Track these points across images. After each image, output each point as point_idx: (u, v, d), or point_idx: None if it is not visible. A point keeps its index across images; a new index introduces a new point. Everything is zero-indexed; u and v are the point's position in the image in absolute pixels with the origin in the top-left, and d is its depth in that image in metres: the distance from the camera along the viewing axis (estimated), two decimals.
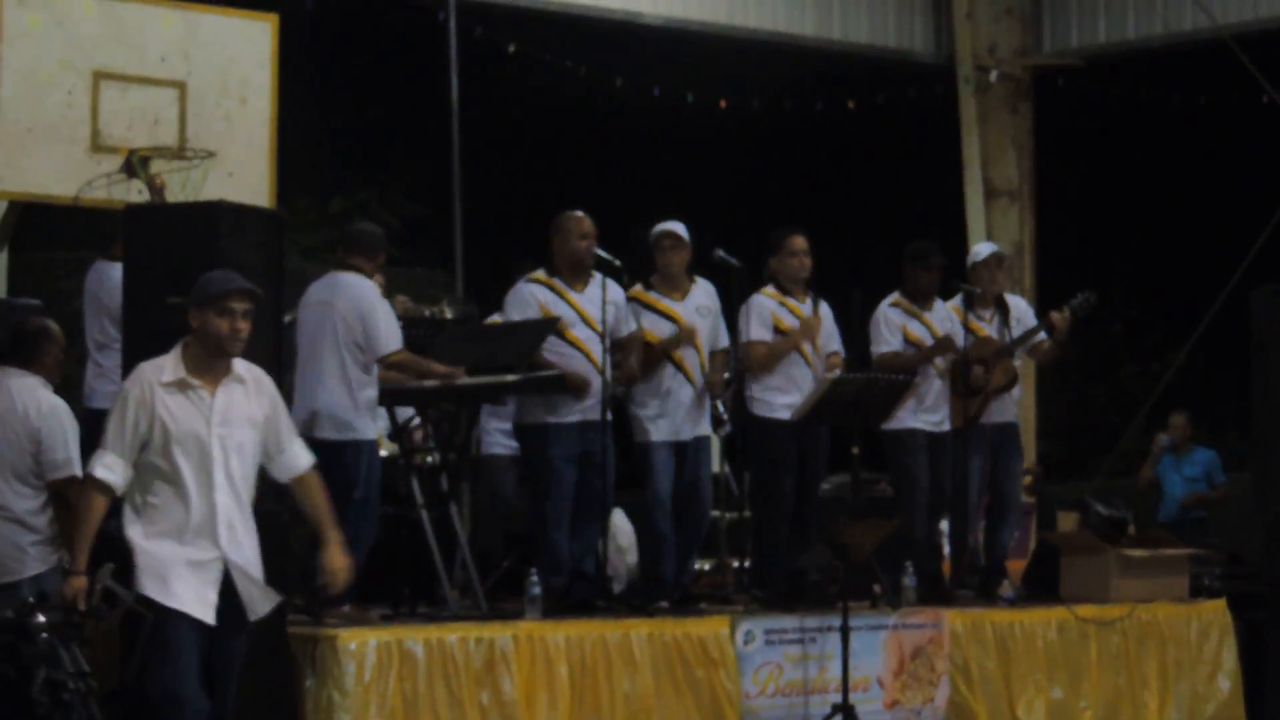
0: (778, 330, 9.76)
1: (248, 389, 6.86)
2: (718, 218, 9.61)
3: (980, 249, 10.84)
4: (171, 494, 6.74)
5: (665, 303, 9.52)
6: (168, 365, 6.78)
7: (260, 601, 6.89)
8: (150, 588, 6.69)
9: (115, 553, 7.96)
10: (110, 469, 6.74)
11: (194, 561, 6.71)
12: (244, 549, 6.82)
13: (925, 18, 15.04)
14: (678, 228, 9.56)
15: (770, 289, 9.85)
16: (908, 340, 10.20)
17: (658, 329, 9.46)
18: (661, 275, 9.59)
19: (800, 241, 9.87)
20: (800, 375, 9.74)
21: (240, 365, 6.85)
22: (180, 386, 6.75)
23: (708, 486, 9.64)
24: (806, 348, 9.79)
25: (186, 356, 6.79)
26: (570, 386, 8.97)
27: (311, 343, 8.63)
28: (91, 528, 6.71)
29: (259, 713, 7.54)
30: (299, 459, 7.01)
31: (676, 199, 10.63)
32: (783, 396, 9.69)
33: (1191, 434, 14.25)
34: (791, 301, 9.82)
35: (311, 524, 7.08)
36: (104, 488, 6.74)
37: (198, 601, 6.71)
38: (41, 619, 6.71)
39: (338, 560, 6.98)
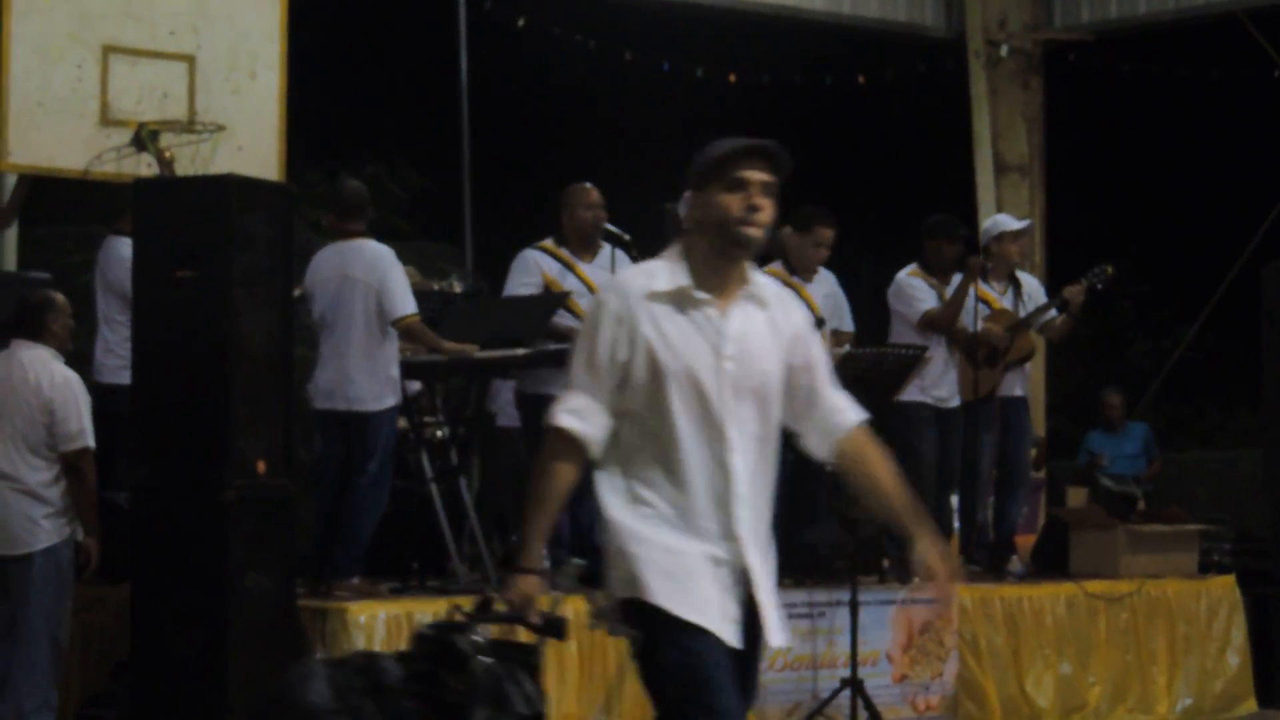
0: None
1: (771, 313, 4.72)
2: None
3: (1007, 219, 10.77)
4: (663, 457, 4.60)
5: None
6: (661, 271, 4.68)
7: (781, 621, 4.69)
8: (661, 590, 4.52)
9: (121, 529, 8.02)
10: (580, 415, 4.61)
11: (711, 557, 4.58)
12: (764, 539, 4.70)
13: None
14: None
15: (778, 267, 9.76)
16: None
17: None
18: None
19: (829, 235, 9.77)
20: None
21: (762, 280, 4.76)
22: (678, 300, 4.63)
23: None
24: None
25: (688, 259, 4.69)
26: None
27: (335, 315, 8.63)
28: (554, 502, 4.65)
29: (269, 687, 7.56)
30: (843, 415, 4.80)
31: (685, 174, 10.60)
32: None
33: (1125, 411, 14.18)
34: (797, 280, 9.76)
35: (878, 506, 4.85)
36: (574, 443, 4.61)
37: (723, 616, 4.58)
38: (480, 639, 4.69)
39: (936, 558, 4.72)
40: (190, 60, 9.54)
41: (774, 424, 4.69)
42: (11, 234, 10.81)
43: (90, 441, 8.05)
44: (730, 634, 4.55)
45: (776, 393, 4.68)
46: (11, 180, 10.35)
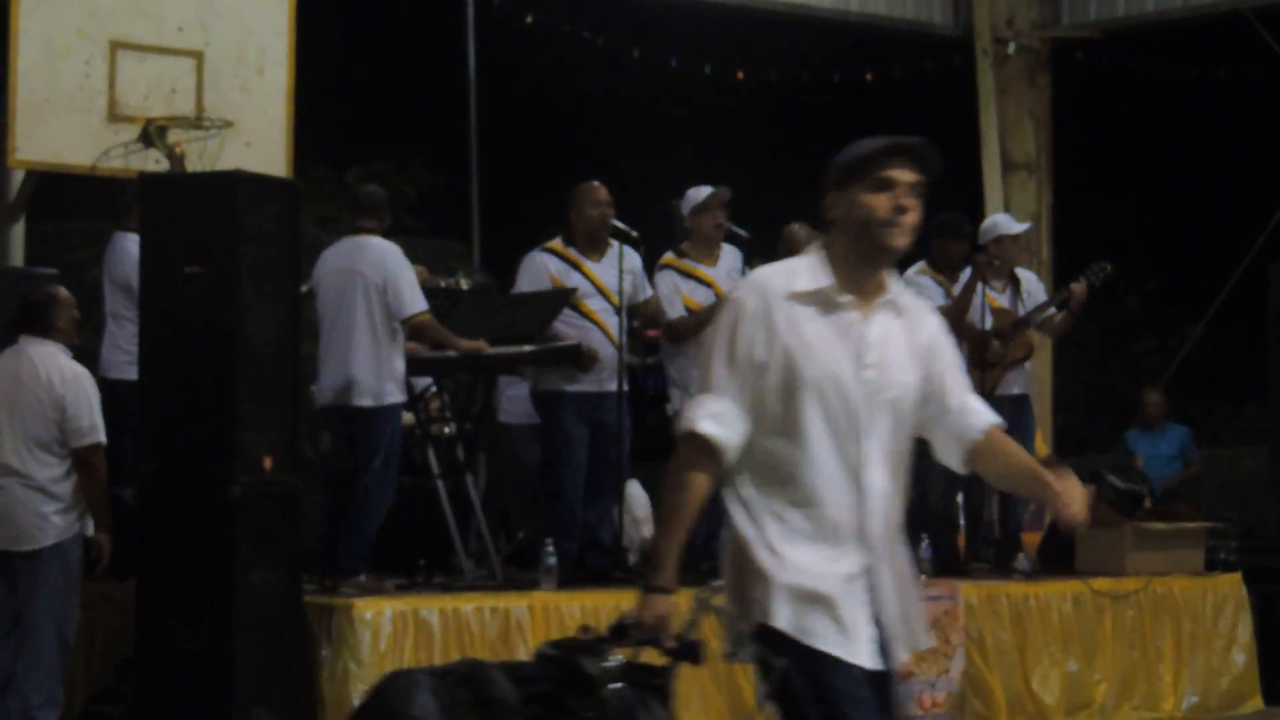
0: None
1: (907, 321, 4.48)
2: (734, 190, 9.57)
3: (1008, 221, 10.76)
4: (795, 468, 4.33)
5: (702, 269, 9.49)
6: (801, 270, 4.41)
7: (914, 634, 4.44)
8: (796, 619, 4.28)
9: (127, 525, 8.03)
10: (720, 420, 4.31)
11: (845, 575, 4.31)
12: (901, 556, 4.46)
13: None
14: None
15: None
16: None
17: (695, 296, 9.44)
18: (698, 240, 9.53)
19: None
20: None
21: (900, 287, 4.51)
22: (821, 301, 4.38)
23: None
24: None
25: (830, 260, 4.44)
26: (581, 359, 8.96)
27: (337, 311, 8.64)
28: (690, 515, 4.31)
29: (275, 684, 7.57)
30: (975, 416, 4.55)
31: (693, 170, 10.60)
32: None
33: (1165, 412, 14.12)
34: None
35: (1019, 486, 4.66)
36: (712, 449, 4.30)
37: (859, 638, 4.32)
38: (610, 664, 4.44)
39: (1062, 488, 4.43)
40: (198, 56, 9.57)
41: (907, 437, 4.46)
42: (18, 229, 10.83)
43: (101, 437, 8.07)
44: (867, 655, 4.29)
45: (911, 405, 4.44)
46: (19, 176, 10.37)
